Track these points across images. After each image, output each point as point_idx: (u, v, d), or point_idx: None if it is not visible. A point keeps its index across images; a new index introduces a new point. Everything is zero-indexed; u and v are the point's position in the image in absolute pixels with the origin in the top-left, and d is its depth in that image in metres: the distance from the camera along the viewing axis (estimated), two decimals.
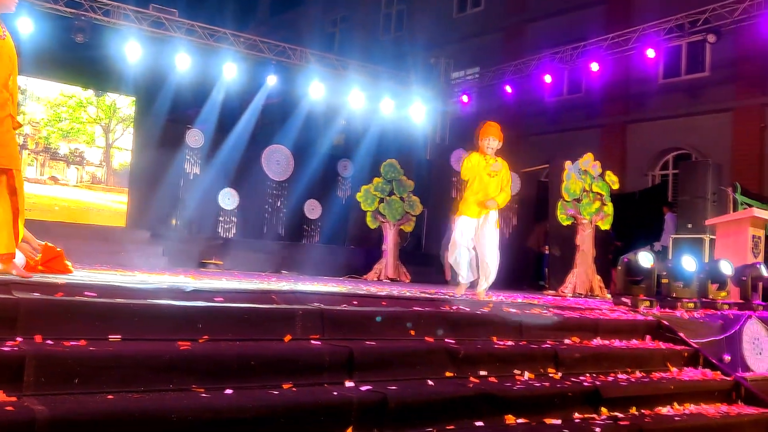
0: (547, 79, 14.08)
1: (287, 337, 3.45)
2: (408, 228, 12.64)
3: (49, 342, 2.75)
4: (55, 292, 3.09)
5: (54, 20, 11.69)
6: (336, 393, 3.07)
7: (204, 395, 2.80)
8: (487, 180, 6.27)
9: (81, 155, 13.29)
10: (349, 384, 3.24)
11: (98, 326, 2.95)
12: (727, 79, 14.79)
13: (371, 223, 12.67)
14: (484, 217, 6.23)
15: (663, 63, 15.53)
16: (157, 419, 2.53)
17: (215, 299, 3.50)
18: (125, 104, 13.75)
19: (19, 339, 2.72)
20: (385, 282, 11.39)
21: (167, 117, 13.64)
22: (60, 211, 12.53)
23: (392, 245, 12.48)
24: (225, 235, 13.70)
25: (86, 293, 3.15)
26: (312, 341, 3.50)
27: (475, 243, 6.20)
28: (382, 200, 12.56)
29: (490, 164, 6.35)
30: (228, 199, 13.79)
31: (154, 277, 5.01)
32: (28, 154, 12.89)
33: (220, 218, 13.81)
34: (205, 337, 3.19)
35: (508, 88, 15.12)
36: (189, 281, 4.51)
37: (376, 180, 12.60)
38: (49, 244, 4.45)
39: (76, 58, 12.42)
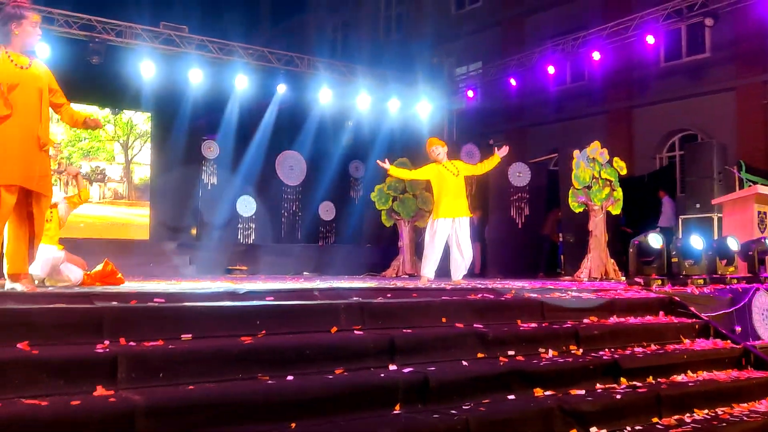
0: (550, 70, 14.36)
1: (333, 329, 3.84)
2: (422, 224, 12.92)
3: (132, 343, 3.14)
4: (129, 300, 3.49)
5: (69, 44, 12.02)
6: (383, 375, 3.45)
7: (269, 382, 3.18)
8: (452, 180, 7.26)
9: (102, 172, 13.73)
10: (392, 367, 3.62)
11: (170, 327, 3.35)
12: (728, 58, 15.03)
13: (386, 222, 13.03)
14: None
15: (664, 46, 15.75)
16: (233, 403, 2.91)
17: (267, 299, 3.90)
18: (141, 120, 14.18)
19: (106, 342, 3.11)
20: (404, 277, 11.73)
21: (183, 130, 14.02)
22: (86, 227, 12.92)
23: (408, 241, 12.82)
24: (244, 241, 14.09)
25: (155, 300, 3.55)
26: (355, 331, 3.88)
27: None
28: (395, 198, 12.91)
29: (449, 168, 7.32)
30: (245, 206, 14.20)
31: (204, 284, 5.41)
32: (53, 174, 13.34)
33: (239, 225, 14.21)
34: (263, 332, 3.57)
35: (513, 82, 15.37)
36: (242, 285, 4.92)
37: (388, 179, 12.95)
38: (109, 262, 4.92)
39: (93, 79, 12.74)
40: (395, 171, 7.69)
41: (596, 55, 13.41)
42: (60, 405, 2.56)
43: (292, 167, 14.96)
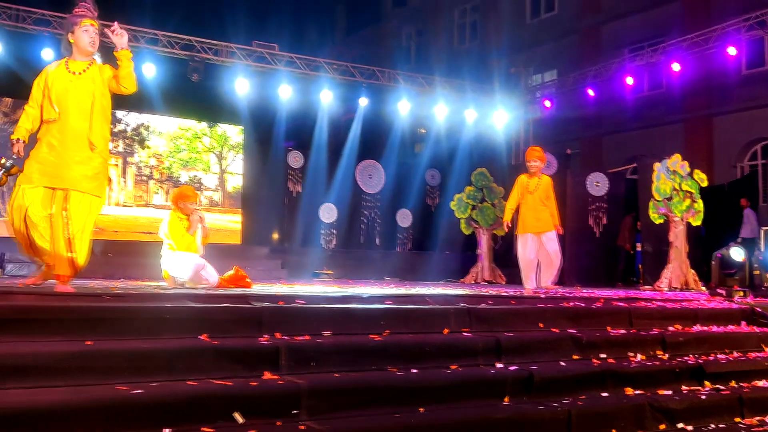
0: (629, 81, 14.49)
1: (445, 330, 4.40)
2: (500, 232, 13.27)
3: (286, 337, 3.78)
4: (277, 301, 4.15)
5: (172, 63, 13.07)
6: (492, 371, 3.99)
7: (398, 373, 3.76)
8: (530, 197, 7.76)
9: (199, 181, 14.79)
10: (499, 365, 4.15)
11: (313, 324, 3.98)
12: None
13: (465, 229, 13.48)
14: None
15: (745, 54, 15.56)
16: (372, 389, 3.50)
17: (386, 302, 4.49)
18: (234, 133, 15.19)
19: (266, 336, 3.76)
20: (483, 284, 12.10)
21: (272, 142, 14.93)
22: None
23: (486, 249, 13.23)
24: (326, 246, 14.80)
25: (297, 301, 4.20)
26: (464, 333, 4.43)
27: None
28: (474, 207, 13.36)
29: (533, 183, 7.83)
30: (328, 213, 14.91)
31: (317, 288, 6.08)
32: (154, 183, 14.49)
33: (321, 231, 14.90)
34: (387, 331, 4.17)
35: (591, 92, 15.52)
36: (362, 290, 5.55)
37: (468, 188, 13.40)
38: (239, 268, 5.68)
39: (192, 94, 13.77)
40: (508, 216, 8.02)
41: (676, 67, 13.48)
42: (243, 385, 3.20)
43: (371, 176, 15.61)
